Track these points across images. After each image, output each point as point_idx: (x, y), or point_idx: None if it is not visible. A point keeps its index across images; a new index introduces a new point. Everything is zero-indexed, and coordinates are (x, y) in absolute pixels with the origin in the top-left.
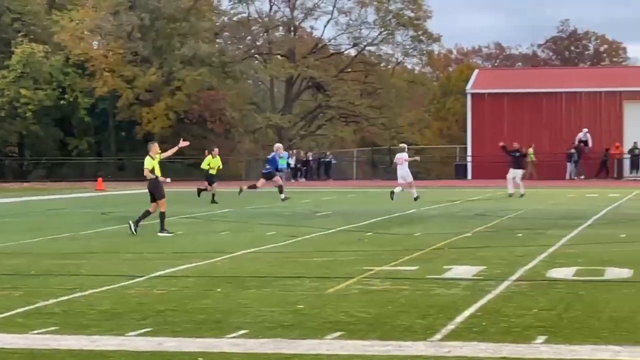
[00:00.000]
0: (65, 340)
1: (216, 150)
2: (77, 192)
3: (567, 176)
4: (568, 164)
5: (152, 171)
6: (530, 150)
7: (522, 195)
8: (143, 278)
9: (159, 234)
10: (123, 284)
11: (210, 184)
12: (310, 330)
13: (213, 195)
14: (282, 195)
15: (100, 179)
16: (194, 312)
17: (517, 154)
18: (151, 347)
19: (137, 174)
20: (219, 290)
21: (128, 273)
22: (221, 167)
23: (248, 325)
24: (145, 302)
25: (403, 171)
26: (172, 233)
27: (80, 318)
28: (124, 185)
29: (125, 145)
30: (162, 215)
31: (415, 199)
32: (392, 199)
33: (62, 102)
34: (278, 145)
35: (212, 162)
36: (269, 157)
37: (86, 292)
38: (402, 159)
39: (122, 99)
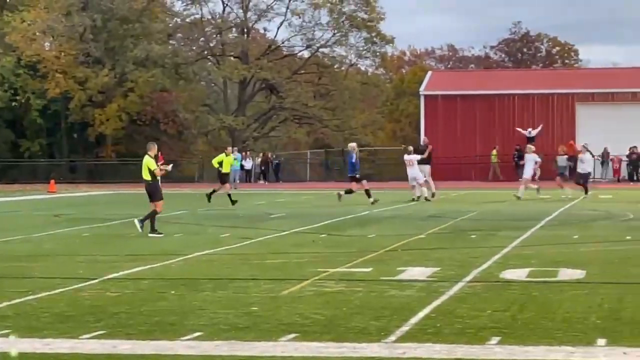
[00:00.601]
0: (19, 344)
1: (230, 149)
2: (29, 194)
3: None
4: None
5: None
6: (494, 152)
7: (419, 198)
8: (97, 280)
9: (149, 233)
10: (76, 286)
11: (223, 183)
12: (265, 332)
13: (229, 195)
14: (342, 193)
15: (52, 181)
16: (148, 314)
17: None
18: (105, 349)
19: (89, 176)
20: (173, 292)
21: (82, 275)
22: (229, 169)
23: (203, 327)
24: (99, 304)
25: (413, 172)
26: (161, 234)
27: (33, 321)
28: (76, 187)
29: (77, 146)
30: (154, 214)
31: (426, 198)
32: (428, 200)
33: (14, 103)
34: (353, 145)
35: (225, 161)
36: (350, 159)
37: (39, 295)
38: (411, 160)
39: (74, 101)
